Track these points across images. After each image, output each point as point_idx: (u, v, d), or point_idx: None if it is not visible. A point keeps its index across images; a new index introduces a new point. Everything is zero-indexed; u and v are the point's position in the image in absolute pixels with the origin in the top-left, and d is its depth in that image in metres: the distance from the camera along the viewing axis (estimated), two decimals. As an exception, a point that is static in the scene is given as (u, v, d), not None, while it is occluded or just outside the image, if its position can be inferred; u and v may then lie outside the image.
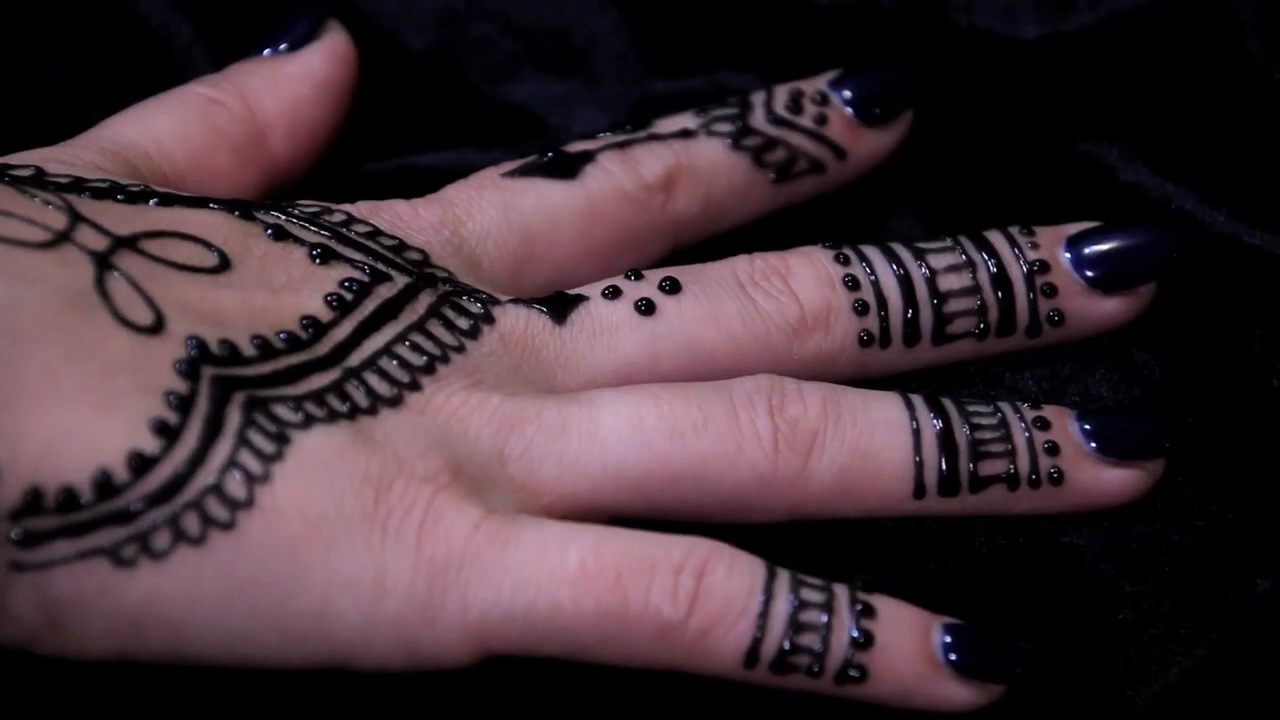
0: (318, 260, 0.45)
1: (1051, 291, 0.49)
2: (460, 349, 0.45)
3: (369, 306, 0.45)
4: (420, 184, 0.49)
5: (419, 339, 0.45)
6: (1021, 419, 0.46)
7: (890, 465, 0.45)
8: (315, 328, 0.44)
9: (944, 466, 0.45)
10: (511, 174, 0.49)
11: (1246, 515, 0.48)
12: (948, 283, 0.48)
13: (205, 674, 0.42)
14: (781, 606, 0.42)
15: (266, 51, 0.51)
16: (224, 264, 0.44)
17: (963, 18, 0.57)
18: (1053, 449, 0.46)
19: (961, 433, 0.46)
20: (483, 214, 0.48)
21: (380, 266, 0.45)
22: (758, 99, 0.51)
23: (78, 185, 0.45)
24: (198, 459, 0.41)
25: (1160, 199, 0.53)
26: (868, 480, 0.45)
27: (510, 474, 0.43)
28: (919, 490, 0.45)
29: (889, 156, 0.53)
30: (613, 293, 0.47)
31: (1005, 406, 0.46)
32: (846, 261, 0.48)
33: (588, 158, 0.49)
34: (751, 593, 0.42)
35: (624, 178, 0.49)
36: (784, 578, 0.42)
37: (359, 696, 0.43)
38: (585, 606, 0.41)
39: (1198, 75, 0.55)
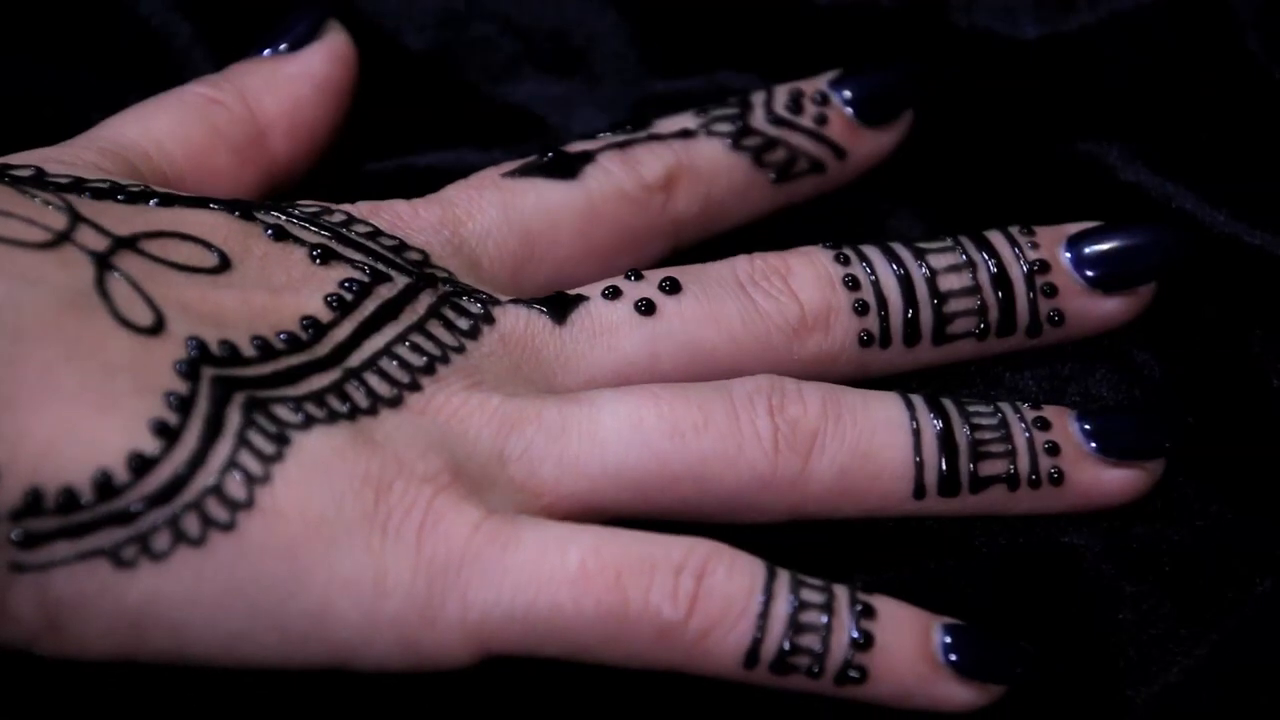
0: (318, 260, 0.45)
1: (1052, 291, 0.49)
2: (460, 349, 0.45)
3: (369, 307, 0.45)
4: (420, 184, 0.49)
5: (419, 339, 0.45)
6: (1021, 419, 0.46)
7: (890, 465, 0.45)
8: (315, 328, 0.44)
9: (944, 466, 0.45)
10: (512, 174, 0.49)
11: (1246, 515, 0.48)
12: (948, 283, 0.48)
13: (205, 674, 0.42)
14: (781, 607, 0.42)
15: (266, 51, 0.51)
16: (224, 264, 0.44)
17: (963, 18, 0.57)
18: (1053, 449, 0.46)
19: (961, 433, 0.46)
20: (483, 214, 0.48)
21: (380, 267, 0.45)
22: (758, 99, 0.51)
23: (78, 185, 0.45)
24: (198, 460, 0.41)
25: (1160, 199, 0.53)
26: (868, 480, 0.45)
27: (510, 474, 0.43)
28: (919, 490, 0.45)
29: (889, 156, 0.53)
30: (613, 293, 0.47)
31: (1005, 406, 0.46)
32: (846, 261, 0.48)
33: (588, 158, 0.49)
34: (751, 593, 0.42)
35: (624, 178, 0.49)
36: (784, 578, 0.42)
37: (359, 696, 0.43)
38: (585, 607, 0.41)
39: (1198, 75, 0.55)
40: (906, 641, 0.42)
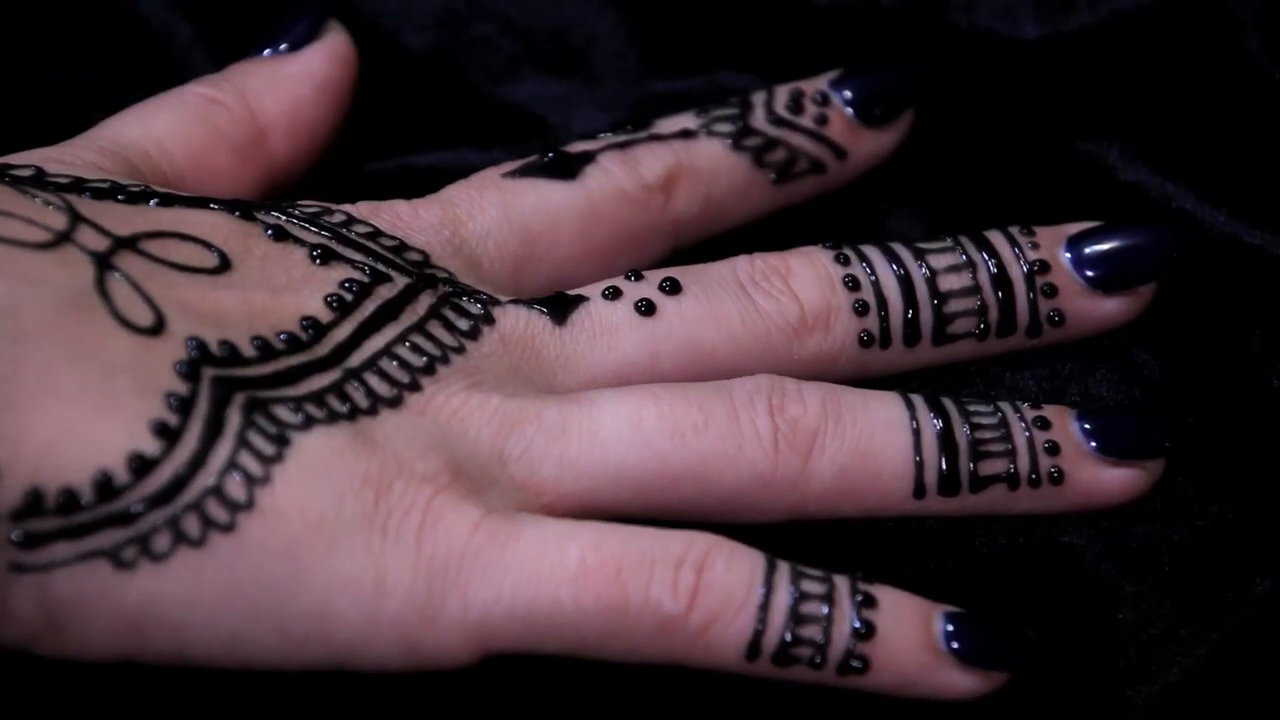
0: (318, 261, 0.45)
1: (1052, 291, 0.49)
2: (460, 350, 0.45)
3: (369, 307, 0.45)
4: (420, 184, 0.49)
5: (419, 340, 0.45)
6: (1022, 419, 0.46)
7: (890, 465, 0.45)
8: (315, 328, 0.44)
9: (944, 466, 0.45)
10: (512, 174, 0.49)
11: (1246, 515, 0.48)
12: (948, 283, 0.48)
13: (205, 674, 0.42)
14: (782, 598, 0.42)
15: (266, 51, 0.51)
16: (224, 264, 0.44)
17: (963, 18, 0.57)
18: (1053, 449, 0.46)
19: (962, 432, 0.46)
20: (483, 214, 0.48)
21: (380, 267, 0.45)
22: (758, 99, 0.51)
23: (78, 185, 0.45)
24: (198, 460, 0.41)
25: (1160, 199, 0.53)
26: (868, 480, 0.45)
27: (510, 474, 0.43)
28: (919, 490, 0.45)
29: (889, 156, 0.53)
30: (613, 293, 0.47)
31: (1005, 406, 0.46)
32: (846, 262, 0.48)
33: (588, 158, 0.49)
34: (752, 585, 0.42)
35: (624, 178, 0.49)
36: (784, 570, 0.42)
37: (359, 696, 0.43)
38: (585, 603, 0.41)
39: (1198, 75, 0.55)
40: (908, 630, 0.43)
